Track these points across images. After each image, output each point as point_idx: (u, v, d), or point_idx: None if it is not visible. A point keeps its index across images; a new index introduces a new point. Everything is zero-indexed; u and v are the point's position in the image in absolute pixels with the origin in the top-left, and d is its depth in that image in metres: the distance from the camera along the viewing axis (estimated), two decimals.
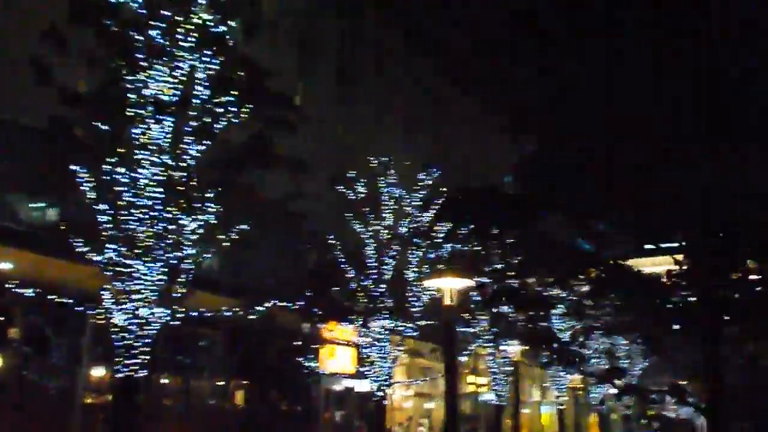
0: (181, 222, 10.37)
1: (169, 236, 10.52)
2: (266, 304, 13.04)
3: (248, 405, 23.62)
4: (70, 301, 11.07)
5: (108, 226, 10.30)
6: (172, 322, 10.68)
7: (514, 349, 18.03)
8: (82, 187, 10.23)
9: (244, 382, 23.84)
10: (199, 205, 10.49)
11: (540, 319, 26.60)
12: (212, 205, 10.57)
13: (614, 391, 45.22)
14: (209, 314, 12.70)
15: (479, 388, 40.61)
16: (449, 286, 8.21)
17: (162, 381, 20.72)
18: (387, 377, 16.96)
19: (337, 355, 27.42)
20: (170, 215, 10.38)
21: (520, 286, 22.96)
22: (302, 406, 26.18)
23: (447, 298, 8.17)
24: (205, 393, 22.74)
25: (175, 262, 10.52)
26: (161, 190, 10.35)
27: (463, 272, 8.23)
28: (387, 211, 17.24)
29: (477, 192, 17.51)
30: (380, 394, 17.00)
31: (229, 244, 11.33)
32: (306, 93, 22.00)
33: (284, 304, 12.54)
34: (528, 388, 46.78)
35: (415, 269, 17.35)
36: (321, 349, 26.46)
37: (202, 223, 10.54)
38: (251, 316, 22.85)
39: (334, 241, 17.13)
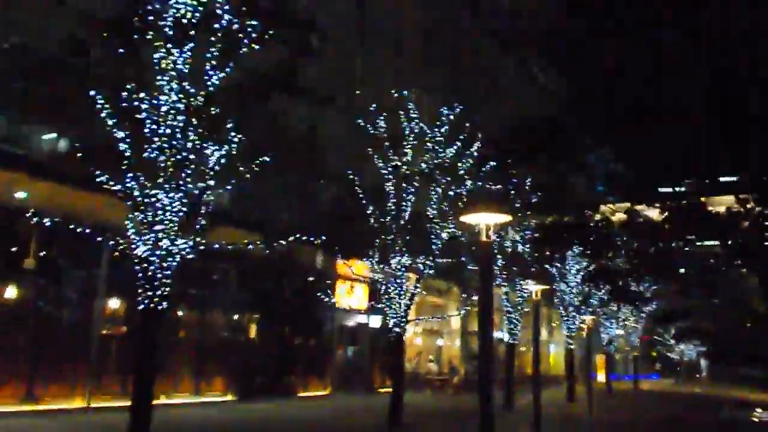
0: (203, 151, 9.98)
1: (191, 166, 10.15)
2: (284, 240, 12.74)
3: (262, 339, 23.72)
4: (88, 230, 10.78)
5: (128, 154, 9.93)
6: (192, 255, 10.40)
7: (534, 287, 17.87)
8: (100, 115, 9.82)
9: (258, 316, 23.89)
10: (222, 134, 10.08)
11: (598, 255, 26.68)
12: (235, 134, 10.15)
13: (620, 332, 45.61)
14: (229, 246, 12.46)
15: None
16: (486, 221, 7.80)
17: (178, 313, 20.76)
18: (404, 313, 16.81)
19: (352, 291, 27.46)
20: (192, 144, 9.99)
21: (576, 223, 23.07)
22: (315, 341, 26.35)
23: (484, 234, 7.78)
24: (219, 326, 22.83)
25: (197, 192, 10.18)
26: (183, 117, 9.93)
27: (500, 206, 7.81)
28: (408, 146, 16.78)
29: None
30: (397, 330, 16.88)
31: (250, 176, 10.96)
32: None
33: (302, 237, 12.20)
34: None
35: (435, 206, 17.01)
36: (336, 285, 26.51)
37: (225, 152, 10.15)
38: (268, 251, 22.90)
39: (353, 177, 16.75)
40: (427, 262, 17.11)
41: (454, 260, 19.43)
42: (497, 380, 35.94)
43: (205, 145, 10.01)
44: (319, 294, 25.45)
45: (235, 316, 23.36)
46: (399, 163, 16.75)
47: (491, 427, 7.57)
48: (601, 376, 42.72)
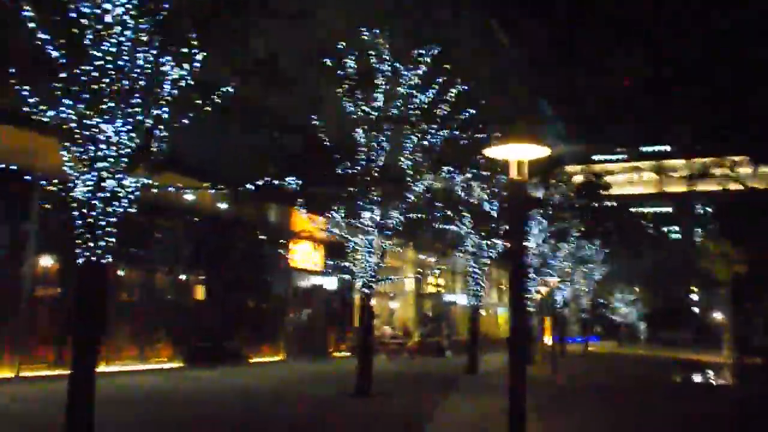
0: (161, 69, 8.21)
1: (144, 91, 8.38)
2: (237, 189, 11.10)
3: (211, 301, 22.00)
4: (13, 168, 8.95)
5: (63, 76, 8.06)
6: (135, 207, 8.65)
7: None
8: (29, 25, 7.92)
9: (206, 276, 22.11)
10: (182, 50, 8.31)
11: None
12: (197, 51, 8.39)
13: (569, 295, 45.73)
14: (182, 189, 10.74)
15: (441, 289, 40.03)
16: (519, 156, 6.40)
17: (120, 273, 18.87)
18: (374, 273, 15.41)
19: (308, 250, 25.90)
20: (145, 63, 8.20)
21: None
22: (268, 304, 24.75)
23: (514, 170, 6.37)
24: (165, 287, 21.01)
25: (150, 123, 8.43)
26: (132, 27, 8.11)
27: (537, 137, 6.38)
28: (379, 90, 15.16)
29: None
30: (367, 291, 15.47)
31: (210, 109, 9.25)
32: None
33: (255, 186, 10.60)
34: (487, 290, 46.48)
35: (409, 156, 15.54)
36: (290, 244, 24.87)
37: (186, 72, 8.39)
38: (221, 205, 21.04)
39: (318, 122, 15.08)
40: (400, 218, 15.68)
41: (424, 216, 18.03)
42: (451, 343, 35.16)
43: (161, 62, 8.22)
44: (272, 253, 23.89)
45: (182, 277, 21.55)
46: (368, 109, 15.14)
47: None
48: (547, 339, 42.58)
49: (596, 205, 33.33)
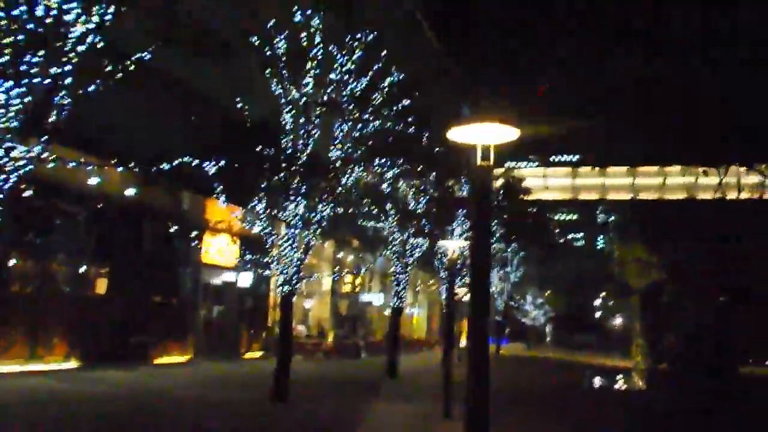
0: (64, 18, 6.94)
1: (40, 50, 7.07)
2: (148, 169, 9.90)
3: (112, 296, 20.24)
4: None
5: None
6: (31, 188, 7.35)
7: (452, 245, 16.18)
8: None
9: (109, 269, 20.33)
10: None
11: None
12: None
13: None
14: (82, 165, 9.40)
15: (357, 288, 39.19)
16: (488, 139, 5.57)
17: (9, 264, 16.98)
18: (297, 270, 14.32)
19: (223, 243, 24.43)
20: (46, 13, 6.91)
21: None
22: (176, 300, 23.13)
23: (479, 155, 5.54)
24: (61, 280, 19.15)
25: (49, 83, 7.12)
26: None
27: (508, 115, 5.56)
28: (310, 75, 14.08)
29: None
30: (287, 288, 14.36)
31: (121, 75, 8.02)
32: None
33: (170, 167, 9.42)
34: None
35: (339, 146, 14.54)
36: (203, 236, 23.38)
37: (96, 25, 7.13)
38: (130, 191, 19.34)
39: (241, 105, 13.85)
40: (328, 211, 14.67)
41: (352, 211, 17.09)
42: (367, 344, 34.37)
43: (65, 9, 6.94)
44: (183, 245, 22.37)
45: (82, 269, 19.71)
46: (297, 93, 14.04)
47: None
48: (462, 342, 42.60)
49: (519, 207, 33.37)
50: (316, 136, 14.23)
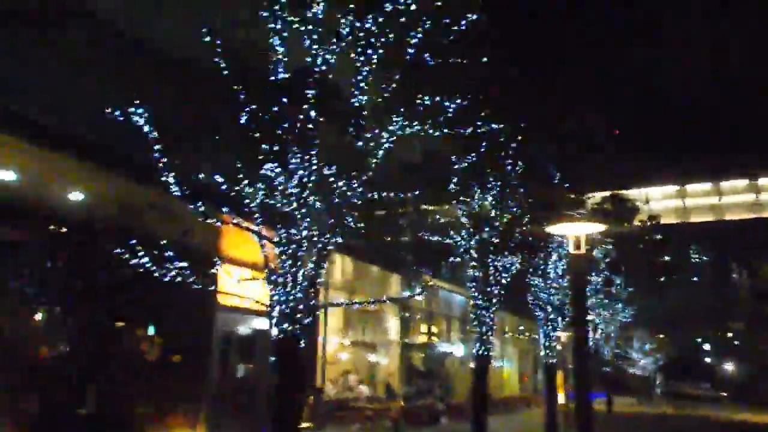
0: None
1: None
2: None
3: (89, 349, 14.60)
4: None
5: None
6: None
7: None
8: None
9: (83, 315, 14.71)
10: None
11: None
12: None
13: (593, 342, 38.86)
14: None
15: (434, 337, 32.60)
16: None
17: None
18: (304, 296, 8.33)
19: (246, 277, 18.44)
20: None
21: None
22: (185, 355, 17.22)
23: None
24: (19, 330, 13.74)
25: None
26: None
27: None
28: None
29: None
30: (289, 328, 8.41)
31: None
32: None
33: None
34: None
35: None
36: (219, 270, 17.51)
37: None
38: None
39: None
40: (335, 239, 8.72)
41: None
42: (447, 406, 27.68)
43: None
44: (189, 282, 16.64)
45: (38, 314, 14.21)
46: None
47: None
48: (560, 396, 35.03)
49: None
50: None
